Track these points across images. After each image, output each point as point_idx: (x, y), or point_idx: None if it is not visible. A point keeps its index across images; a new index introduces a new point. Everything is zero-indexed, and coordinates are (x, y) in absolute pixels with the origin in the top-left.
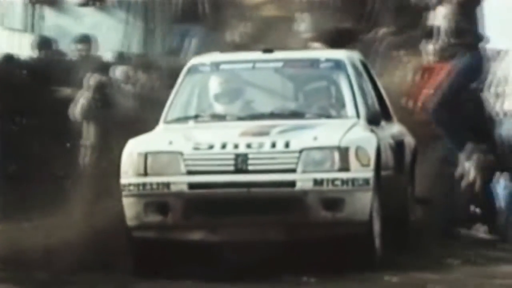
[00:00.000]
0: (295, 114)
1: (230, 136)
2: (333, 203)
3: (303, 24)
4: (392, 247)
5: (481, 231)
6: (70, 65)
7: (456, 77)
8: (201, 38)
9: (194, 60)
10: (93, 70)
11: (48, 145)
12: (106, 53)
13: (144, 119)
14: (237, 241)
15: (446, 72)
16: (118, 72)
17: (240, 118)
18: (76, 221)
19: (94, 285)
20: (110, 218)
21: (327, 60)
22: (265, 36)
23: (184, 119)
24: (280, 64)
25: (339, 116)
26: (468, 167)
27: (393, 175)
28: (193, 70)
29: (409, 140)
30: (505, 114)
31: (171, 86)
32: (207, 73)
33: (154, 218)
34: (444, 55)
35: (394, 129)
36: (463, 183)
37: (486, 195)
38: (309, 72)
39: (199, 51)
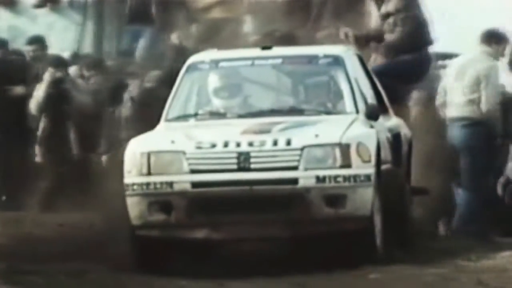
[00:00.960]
0: (295, 111)
1: (232, 135)
2: (335, 199)
3: (249, 26)
4: (392, 241)
5: None
6: (25, 64)
7: (395, 62)
8: (150, 39)
9: (193, 58)
10: (50, 66)
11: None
12: (61, 53)
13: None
14: (240, 239)
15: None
16: (71, 71)
17: (240, 116)
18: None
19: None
20: None
21: (326, 56)
22: (212, 38)
23: (184, 117)
24: (279, 61)
25: (338, 112)
26: None
27: (392, 168)
28: (192, 67)
29: (406, 132)
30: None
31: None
32: (206, 70)
33: (158, 217)
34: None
35: (391, 122)
36: None
37: None
38: (308, 68)
39: (148, 52)
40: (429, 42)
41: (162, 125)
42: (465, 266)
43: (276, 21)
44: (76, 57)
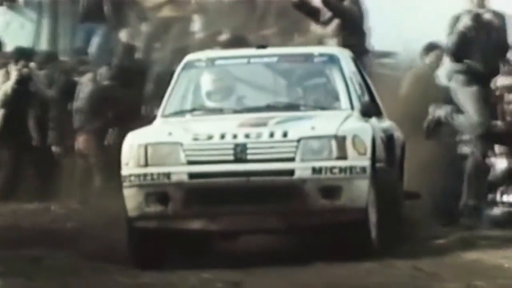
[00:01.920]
0: (291, 106)
1: (229, 127)
2: (331, 190)
3: (197, 25)
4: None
5: None
6: None
7: None
8: (103, 36)
9: (190, 56)
10: (14, 58)
11: None
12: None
13: None
14: (236, 230)
15: None
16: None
17: (237, 111)
18: None
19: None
20: None
21: (321, 55)
22: (162, 36)
23: (181, 112)
24: (274, 59)
25: (333, 108)
26: None
27: (386, 168)
28: (189, 65)
29: (399, 135)
30: None
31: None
32: (203, 68)
33: (155, 208)
34: None
35: (384, 123)
36: None
37: None
38: (304, 66)
39: (101, 49)
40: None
41: (159, 120)
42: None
43: (223, 20)
44: (33, 54)
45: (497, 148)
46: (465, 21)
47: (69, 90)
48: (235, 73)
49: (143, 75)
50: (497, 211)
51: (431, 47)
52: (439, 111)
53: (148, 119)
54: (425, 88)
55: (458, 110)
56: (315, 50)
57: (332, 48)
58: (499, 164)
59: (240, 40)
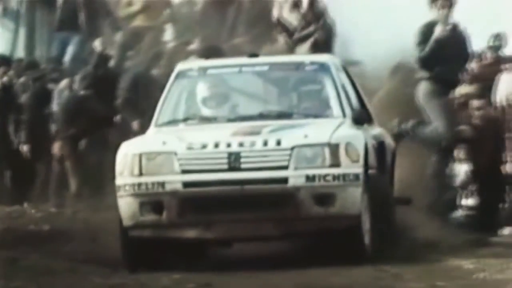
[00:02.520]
0: (283, 115)
1: (223, 136)
2: (325, 198)
3: (169, 34)
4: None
5: None
6: None
7: None
8: (78, 45)
9: (182, 66)
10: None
11: None
12: None
13: None
14: (231, 238)
15: None
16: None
17: (230, 120)
18: None
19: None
20: None
21: (312, 63)
22: (135, 44)
23: (174, 122)
24: (266, 68)
25: (326, 115)
26: None
27: (377, 174)
28: (181, 75)
29: (389, 142)
30: None
31: None
32: (195, 77)
33: (149, 217)
34: None
35: (375, 130)
36: None
37: None
38: (295, 75)
39: (76, 57)
40: None
41: (152, 130)
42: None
43: (194, 30)
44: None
45: (458, 153)
46: (442, 30)
47: (43, 97)
48: (227, 82)
49: (117, 84)
50: (458, 214)
51: (397, 69)
52: (404, 125)
53: (122, 127)
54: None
55: (422, 123)
56: (306, 58)
57: (323, 56)
58: (460, 169)
59: (214, 49)
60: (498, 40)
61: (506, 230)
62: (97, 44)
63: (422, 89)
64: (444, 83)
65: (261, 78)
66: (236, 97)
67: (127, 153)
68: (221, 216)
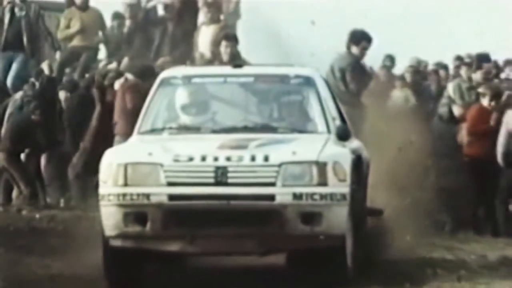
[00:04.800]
0: (268, 128)
1: (209, 149)
2: (311, 217)
3: (103, 53)
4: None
5: None
6: None
7: None
8: (21, 63)
9: (166, 73)
10: None
11: None
12: None
13: None
14: (215, 253)
15: None
16: None
17: (214, 131)
18: None
19: None
20: None
21: (297, 76)
22: (73, 63)
23: (157, 130)
24: (250, 79)
25: (310, 131)
26: None
27: (355, 188)
28: (165, 83)
29: (366, 155)
30: None
31: None
32: (179, 86)
33: (133, 228)
34: None
35: (353, 144)
36: None
37: None
38: (280, 88)
39: (19, 75)
40: None
41: (135, 137)
42: None
43: (124, 50)
44: None
45: None
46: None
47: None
48: (211, 91)
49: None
50: None
51: None
52: None
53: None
54: None
55: None
56: (291, 71)
57: (307, 69)
58: None
59: (147, 68)
60: (389, 61)
61: None
62: (44, 68)
63: None
64: None
65: (245, 89)
66: (219, 108)
67: (112, 162)
68: (206, 231)
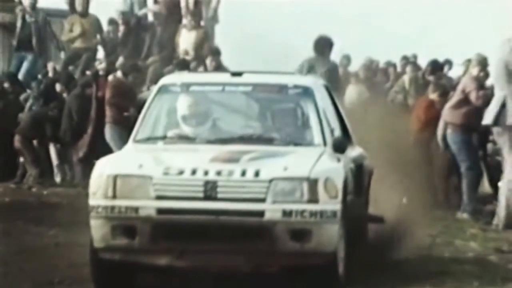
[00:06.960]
0: (264, 140)
1: (200, 162)
2: (301, 234)
3: (100, 54)
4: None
5: None
6: None
7: None
8: (31, 62)
9: (165, 80)
10: None
11: None
12: None
13: None
14: (203, 268)
15: None
16: None
17: (209, 141)
18: None
19: None
20: None
21: (296, 87)
22: (75, 61)
23: (153, 139)
24: (249, 88)
25: (306, 143)
26: None
27: (354, 198)
28: (164, 90)
29: (367, 164)
30: None
31: None
32: (177, 93)
33: (121, 241)
34: None
35: (354, 152)
36: None
37: None
38: (278, 98)
39: (29, 71)
40: None
41: (130, 146)
42: None
43: (119, 51)
44: None
45: None
46: None
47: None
48: (210, 100)
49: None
50: None
51: None
52: None
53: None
54: None
55: None
56: (290, 81)
57: (307, 79)
58: None
59: (133, 66)
60: (346, 60)
61: None
62: (49, 69)
63: None
64: None
65: (243, 98)
66: (216, 117)
67: (102, 173)
68: (194, 245)
